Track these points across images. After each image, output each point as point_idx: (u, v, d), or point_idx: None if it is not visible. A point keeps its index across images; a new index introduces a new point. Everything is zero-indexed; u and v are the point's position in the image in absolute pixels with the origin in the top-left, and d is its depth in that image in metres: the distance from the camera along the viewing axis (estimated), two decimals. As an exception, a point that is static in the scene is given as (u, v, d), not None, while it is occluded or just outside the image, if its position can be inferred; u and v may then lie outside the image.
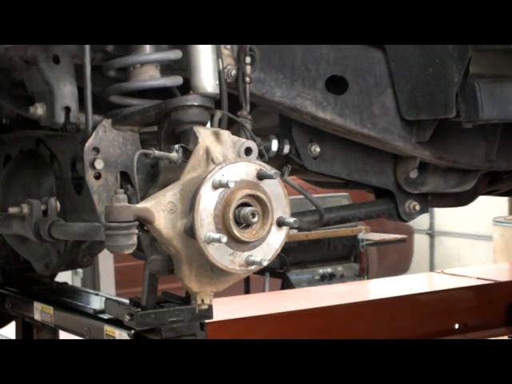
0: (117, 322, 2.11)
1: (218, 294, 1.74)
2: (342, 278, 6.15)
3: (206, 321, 2.05)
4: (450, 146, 2.22)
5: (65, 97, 1.83)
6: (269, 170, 1.67)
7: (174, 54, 1.86)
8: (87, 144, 1.78)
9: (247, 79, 1.97)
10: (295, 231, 2.22)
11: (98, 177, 1.79)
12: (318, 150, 2.23)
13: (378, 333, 3.21)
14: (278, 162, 2.16)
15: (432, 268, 10.08)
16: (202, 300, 1.71)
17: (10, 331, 3.06)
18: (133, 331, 2.05)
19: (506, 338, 3.61)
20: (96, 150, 1.79)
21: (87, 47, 1.77)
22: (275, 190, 1.69)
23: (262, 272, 5.72)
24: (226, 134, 1.73)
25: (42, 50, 1.82)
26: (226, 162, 1.65)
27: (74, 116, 1.84)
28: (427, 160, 2.28)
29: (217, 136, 1.71)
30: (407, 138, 2.19)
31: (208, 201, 1.61)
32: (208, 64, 1.84)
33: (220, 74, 1.90)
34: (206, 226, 1.61)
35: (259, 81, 2.01)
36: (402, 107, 2.15)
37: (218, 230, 1.62)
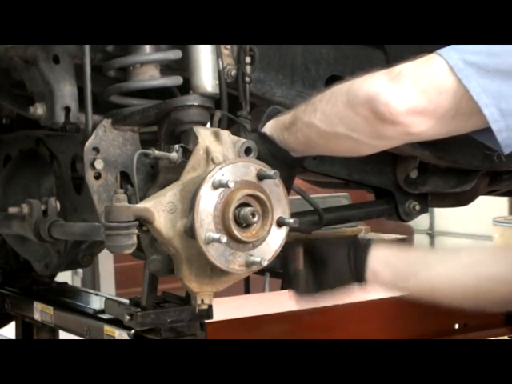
0: (117, 322, 2.11)
1: (217, 294, 1.74)
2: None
3: (206, 321, 2.05)
4: (449, 146, 2.22)
5: (65, 97, 1.83)
6: (269, 169, 1.67)
7: (174, 54, 1.86)
8: (87, 144, 1.78)
9: (247, 79, 1.97)
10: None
11: (97, 177, 1.79)
12: (318, 150, 2.22)
13: (378, 333, 3.21)
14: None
15: (432, 268, 10.05)
16: (202, 300, 1.71)
17: (9, 331, 3.06)
18: (133, 331, 2.05)
19: (505, 338, 3.60)
20: (96, 150, 1.79)
21: (87, 47, 1.77)
22: (275, 190, 1.69)
23: (261, 272, 5.71)
24: (225, 134, 1.73)
25: (41, 50, 1.82)
26: (226, 162, 1.65)
27: (73, 116, 1.84)
28: (427, 160, 2.28)
29: (217, 136, 1.71)
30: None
31: (208, 201, 1.61)
32: (208, 64, 1.84)
33: (220, 74, 1.90)
34: (206, 226, 1.61)
35: (259, 81, 2.01)
36: (402, 107, 2.15)
37: (217, 230, 1.62)
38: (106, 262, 6.49)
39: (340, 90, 1.61)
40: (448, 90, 1.48)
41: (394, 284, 1.76)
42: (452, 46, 1.52)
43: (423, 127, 1.51)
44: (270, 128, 1.74)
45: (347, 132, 1.59)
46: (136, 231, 1.62)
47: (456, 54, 1.49)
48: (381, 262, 1.75)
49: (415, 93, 1.48)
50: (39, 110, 1.85)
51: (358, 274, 1.75)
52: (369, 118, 1.53)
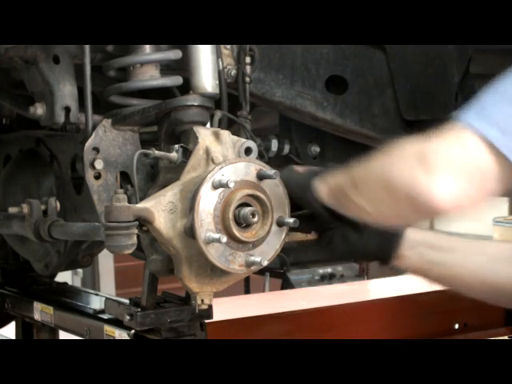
0: (117, 322, 2.11)
1: (217, 294, 1.74)
2: (342, 278, 6.14)
3: (206, 321, 2.05)
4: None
5: (65, 97, 1.83)
6: (269, 169, 1.67)
7: (174, 54, 1.86)
8: (87, 144, 1.78)
9: (247, 79, 1.97)
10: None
11: (97, 177, 1.79)
12: (318, 149, 2.23)
13: (378, 333, 3.21)
14: (278, 162, 2.16)
15: (432, 268, 10.04)
16: (202, 300, 1.71)
17: (9, 331, 3.06)
18: (133, 331, 2.05)
19: (505, 338, 3.60)
20: (96, 150, 1.79)
21: (87, 47, 1.77)
22: (275, 190, 1.69)
23: (261, 272, 5.71)
24: (225, 134, 1.73)
25: (41, 50, 1.82)
26: (226, 162, 1.65)
27: (73, 116, 1.84)
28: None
29: (217, 136, 1.71)
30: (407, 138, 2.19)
31: (208, 201, 1.61)
32: (208, 64, 1.84)
33: (220, 74, 1.90)
34: (206, 226, 1.61)
35: (259, 81, 2.02)
36: (402, 107, 2.15)
37: (217, 230, 1.62)
38: (106, 261, 6.49)
39: (375, 171, 1.53)
40: (490, 169, 1.39)
41: (417, 270, 1.76)
42: (477, 113, 1.40)
43: (468, 208, 1.51)
44: (325, 194, 1.66)
45: (393, 213, 1.55)
46: (136, 231, 1.62)
47: (488, 125, 1.37)
48: (408, 247, 1.75)
49: (455, 182, 1.40)
50: (39, 110, 1.85)
51: (384, 256, 1.73)
52: (413, 209, 1.48)
